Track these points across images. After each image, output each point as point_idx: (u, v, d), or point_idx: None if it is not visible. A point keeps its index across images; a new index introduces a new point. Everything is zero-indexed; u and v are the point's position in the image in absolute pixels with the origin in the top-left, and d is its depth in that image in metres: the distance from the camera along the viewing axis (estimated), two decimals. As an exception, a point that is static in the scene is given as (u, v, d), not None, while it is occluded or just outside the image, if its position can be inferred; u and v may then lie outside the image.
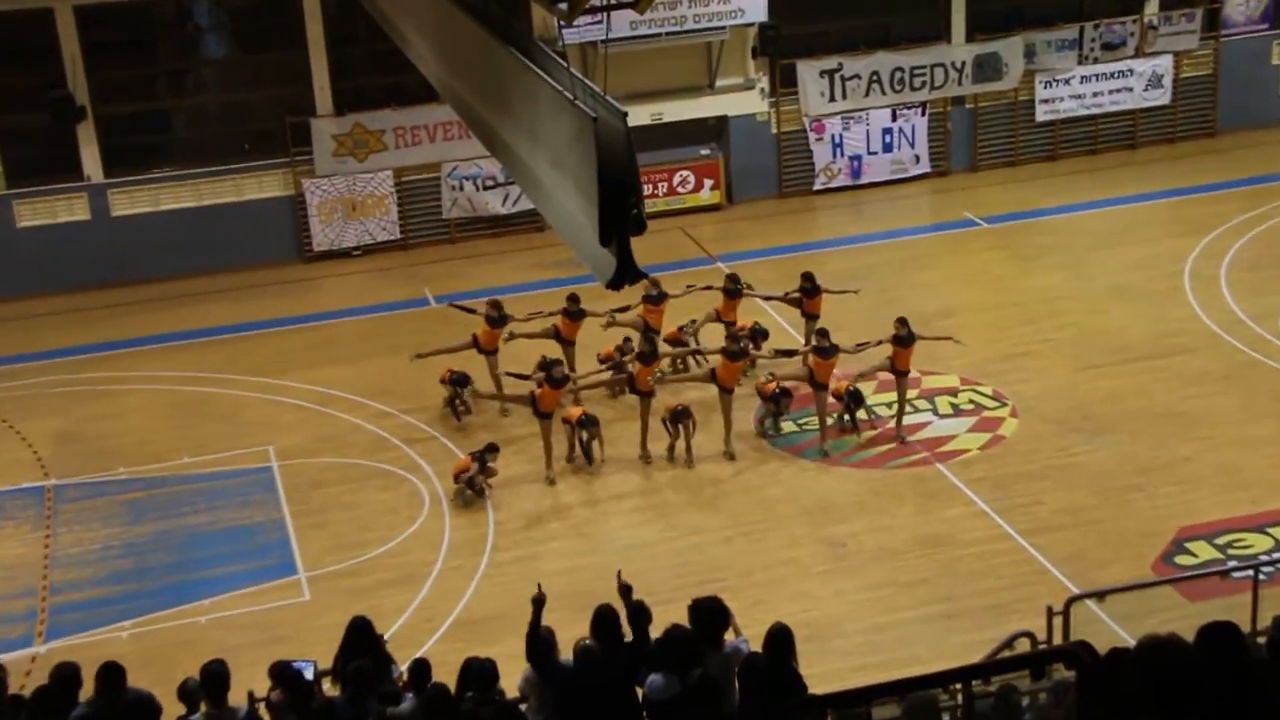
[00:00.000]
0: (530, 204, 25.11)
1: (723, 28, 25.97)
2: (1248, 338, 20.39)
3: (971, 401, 19.18)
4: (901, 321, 18.15)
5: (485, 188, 26.22)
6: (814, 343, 18.24)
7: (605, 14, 9.51)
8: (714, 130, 27.75)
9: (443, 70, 11.78)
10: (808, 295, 19.92)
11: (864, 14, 27.77)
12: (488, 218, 26.40)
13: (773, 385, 18.32)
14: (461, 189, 26.17)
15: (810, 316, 19.91)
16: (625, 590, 10.27)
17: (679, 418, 17.83)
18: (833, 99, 27.53)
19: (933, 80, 27.84)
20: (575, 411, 18.03)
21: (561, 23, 9.09)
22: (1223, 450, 17.37)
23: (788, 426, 18.72)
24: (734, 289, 19.91)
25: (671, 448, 17.93)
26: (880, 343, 18.05)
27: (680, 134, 27.19)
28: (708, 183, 27.46)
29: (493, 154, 11.09)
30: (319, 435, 19.33)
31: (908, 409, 18.62)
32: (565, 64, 8.78)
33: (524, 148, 9.53)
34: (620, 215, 8.21)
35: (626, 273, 8.44)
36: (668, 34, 25.69)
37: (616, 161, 8.13)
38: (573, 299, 19.77)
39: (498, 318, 19.60)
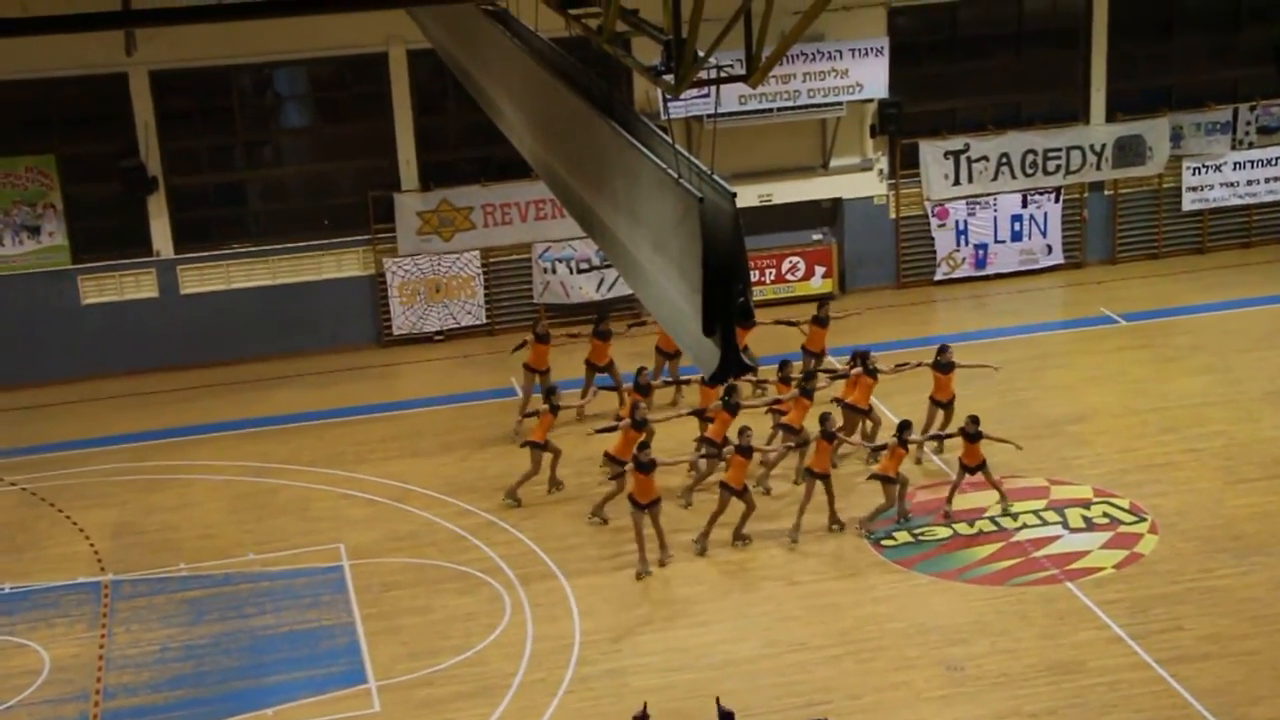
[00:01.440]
0: (628, 289, 25.45)
1: (840, 104, 26.33)
2: None
3: (1106, 515, 19.04)
4: (973, 419, 18.93)
5: (579, 271, 26.65)
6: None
7: (714, 87, 9.77)
8: (828, 214, 27.99)
9: (537, 144, 12.12)
10: (940, 370, 20.52)
11: (993, 91, 28.00)
12: (581, 304, 26.80)
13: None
14: (554, 271, 26.61)
15: (938, 404, 20.46)
16: (726, 717, 10.29)
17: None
18: (957, 182, 27.71)
19: (1068, 164, 27.92)
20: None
21: (667, 95, 9.39)
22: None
23: (902, 536, 18.72)
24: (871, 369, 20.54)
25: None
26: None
27: (791, 217, 27.48)
28: (819, 270, 27.67)
29: (589, 235, 11.37)
30: (393, 533, 19.62)
31: (1035, 520, 18.70)
32: (670, 139, 9.04)
33: (623, 228, 9.79)
34: (725, 303, 8.40)
35: (731, 365, 8.62)
36: (780, 109, 26.09)
37: (723, 245, 8.35)
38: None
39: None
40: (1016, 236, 28.08)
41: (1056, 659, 16.06)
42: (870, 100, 26.79)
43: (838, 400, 20.77)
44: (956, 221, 27.85)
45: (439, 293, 26.38)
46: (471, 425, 22.93)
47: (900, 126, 27.07)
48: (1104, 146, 27.94)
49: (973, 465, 19.12)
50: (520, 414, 21.85)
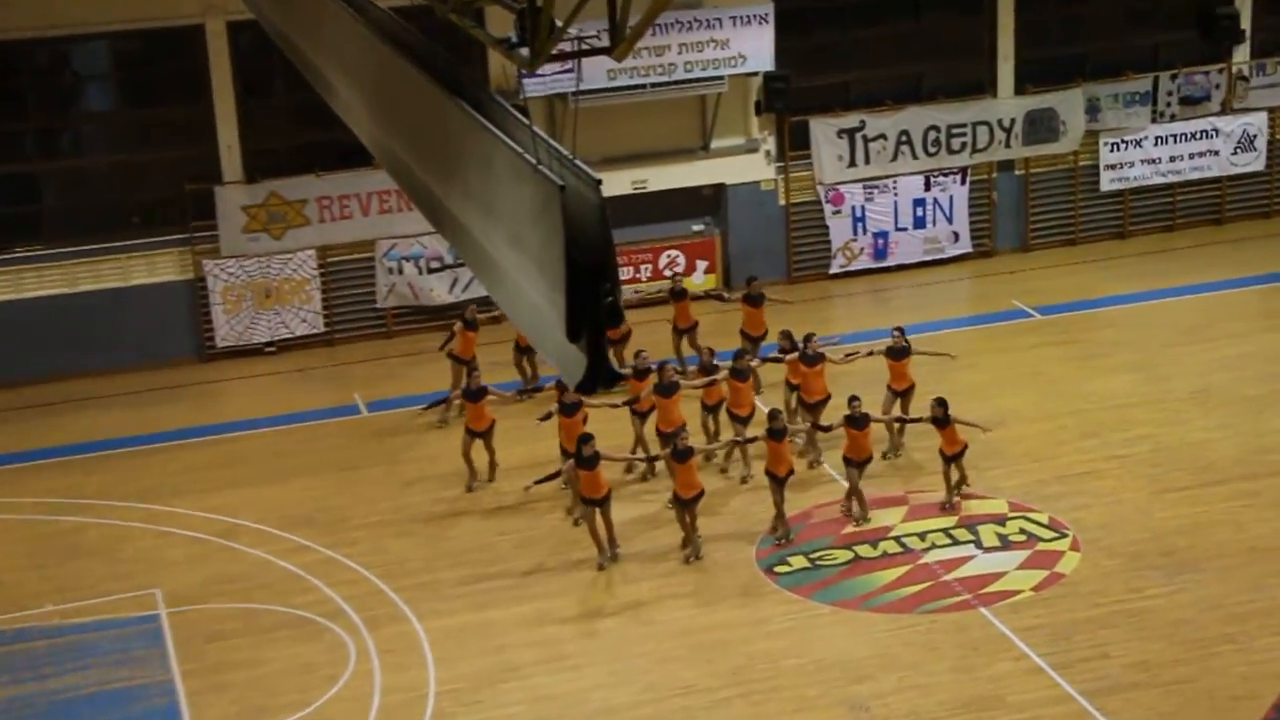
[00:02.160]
0: (484, 290, 25.34)
1: (720, 78, 26.57)
2: (1361, 454, 20.75)
3: (1023, 532, 19.42)
4: (939, 403, 19.59)
5: (429, 271, 26.60)
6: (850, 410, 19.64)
7: (576, 61, 9.83)
8: (709, 202, 28.22)
9: (377, 128, 12.10)
10: (893, 356, 21.19)
11: (891, 62, 28.44)
12: (431, 307, 26.76)
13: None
14: (400, 272, 26.54)
15: (896, 394, 21.12)
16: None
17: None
18: (853, 164, 28.10)
19: (974, 141, 28.45)
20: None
21: (523, 72, 9.41)
22: (1332, 592, 17.64)
23: (797, 561, 18.94)
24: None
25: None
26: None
27: (668, 206, 27.66)
28: (701, 265, 27.89)
29: (438, 230, 11.37)
30: (219, 575, 19.46)
31: (944, 540, 19.03)
32: (528, 121, 9.09)
33: (476, 222, 9.81)
34: (592, 304, 8.46)
35: (600, 374, 8.68)
36: (653, 85, 26.28)
37: (588, 239, 8.41)
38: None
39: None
40: (919, 223, 28.55)
41: (971, 694, 16.36)
42: (754, 74, 27.07)
43: (801, 399, 21.37)
44: (853, 208, 28.24)
45: (269, 298, 26.17)
46: (309, 449, 22.79)
47: (788, 103, 27.38)
48: (1013, 122, 28.51)
49: (952, 453, 19.67)
50: (447, 405, 22.48)
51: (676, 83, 26.36)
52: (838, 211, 28.24)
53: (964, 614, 17.72)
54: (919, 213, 28.55)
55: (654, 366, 20.91)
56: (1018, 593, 18.08)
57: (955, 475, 19.85)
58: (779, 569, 18.87)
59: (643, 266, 27.49)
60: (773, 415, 19.58)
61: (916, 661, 16.94)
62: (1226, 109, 29.32)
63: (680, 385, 20.71)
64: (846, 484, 19.81)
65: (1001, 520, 19.68)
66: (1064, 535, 19.23)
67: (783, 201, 28.14)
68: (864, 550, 19.15)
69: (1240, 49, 29.25)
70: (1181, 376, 23.51)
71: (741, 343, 23.11)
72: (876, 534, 19.43)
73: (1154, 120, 29.08)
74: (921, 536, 19.34)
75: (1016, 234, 29.28)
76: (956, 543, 19.18)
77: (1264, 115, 29.46)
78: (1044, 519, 19.63)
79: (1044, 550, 18.97)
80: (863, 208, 28.29)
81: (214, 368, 25.90)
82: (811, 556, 19.10)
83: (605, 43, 9.40)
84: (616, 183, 26.23)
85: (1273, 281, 27.22)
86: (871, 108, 28.10)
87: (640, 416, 21.04)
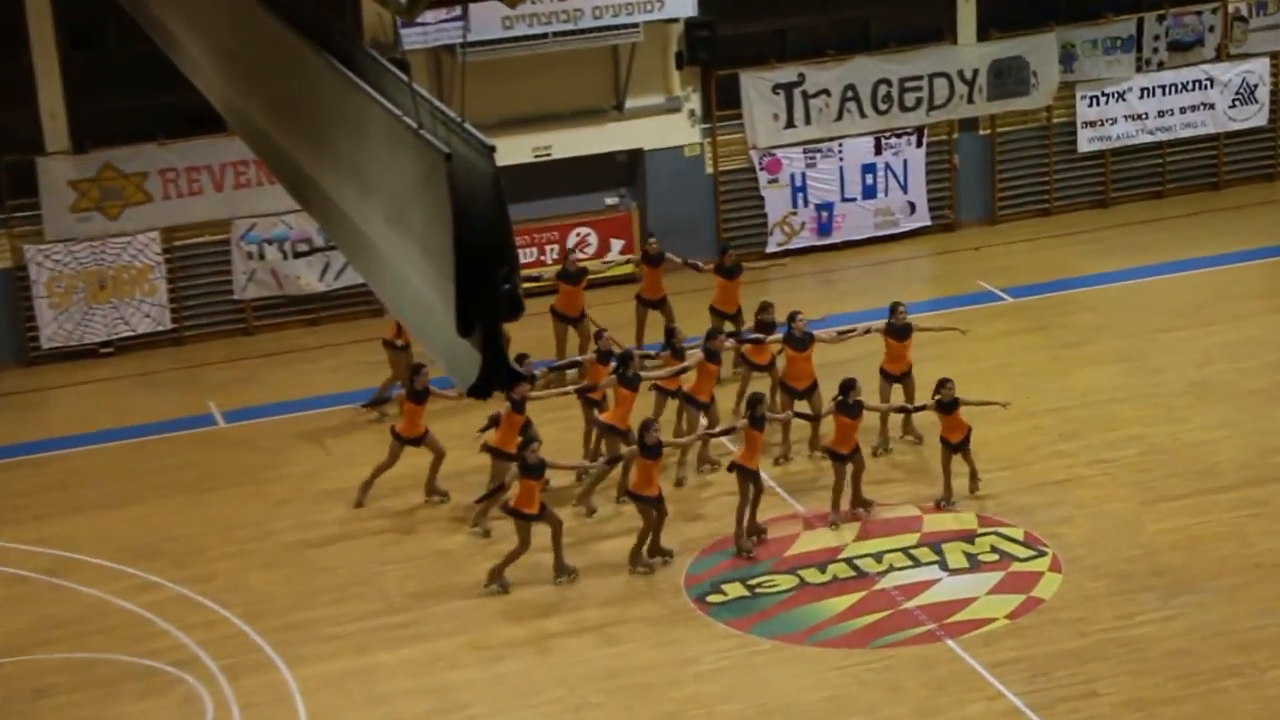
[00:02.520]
0: (360, 277, 25.28)
1: (635, 26, 26.60)
2: (1382, 454, 21.07)
3: (995, 550, 19.56)
4: (945, 384, 20.19)
5: (295, 255, 26.47)
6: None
7: (463, 7, 9.82)
8: (625, 170, 28.24)
9: (230, 88, 12.02)
10: (895, 336, 21.62)
11: (833, 6, 28.58)
12: (299, 298, 26.65)
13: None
14: (261, 257, 26.39)
15: (891, 378, 21.52)
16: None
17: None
18: (791, 124, 28.21)
19: (932, 96, 28.63)
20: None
21: (401, 21, 9.40)
22: (1353, 615, 17.90)
23: (733, 590, 18.99)
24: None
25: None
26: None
27: (577, 176, 27.66)
28: (616, 244, 27.90)
29: (304, 208, 11.31)
30: (48, 619, 19.28)
31: (904, 561, 19.21)
32: (406, 79, 9.06)
33: (349, 198, 9.77)
34: (486, 292, 8.45)
35: (497, 372, 8.66)
36: (556, 35, 26.26)
37: (480, 216, 8.39)
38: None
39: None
40: (869, 193, 28.71)
41: (938, 740, 16.50)
42: (674, 20, 27.12)
43: (782, 382, 21.67)
44: (792, 175, 28.35)
45: (104, 290, 25.98)
46: (155, 468, 22.65)
47: (715, 54, 27.45)
48: (976, 73, 28.72)
49: (957, 441, 20.05)
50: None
51: (583, 32, 26.35)
52: (774, 180, 28.34)
53: (928, 647, 17.82)
54: (868, 180, 28.70)
55: (616, 353, 21.14)
56: (990, 621, 18.21)
57: (965, 466, 20.22)
58: (712, 598, 18.92)
59: (547, 247, 27.47)
60: (755, 401, 19.78)
61: (874, 704, 17.03)
62: (1222, 55, 29.66)
63: (641, 378, 20.96)
64: (773, 492, 19.90)
65: (970, 537, 19.82)
66: (1042, 554, 19.39)
67: (710, 169, 28.20)
68: (810, 575, 19.23)
69: (1237, -15, 29.62)
70: (1175, 367, 23.77)
71: (712, 320, 23.22)
72: (825, 556, 19.53)
73: (1139, 69, 29.36)
74: (877, 557, 19.43)
75: (982, 204, 29.49)
76: (918, 564, 19.29)
77: (1265, 62, 29.82)
78: (1019, 535, 19.78)
79: (1019, 571, 19.12)
80: (803, 175, 28.40)
81: (39, 373, 25.68)
82: (750, 583, 19.16)
83: (498, -15, 9.39)
84: (515, 150, 26.16)
85: (1278, 254, 27.55)
86: (812, 59, 28.20)
87: (594, 407, 21.20)
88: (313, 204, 10.78)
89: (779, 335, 21.69)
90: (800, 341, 21.41)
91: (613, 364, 21.06)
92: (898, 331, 21.60)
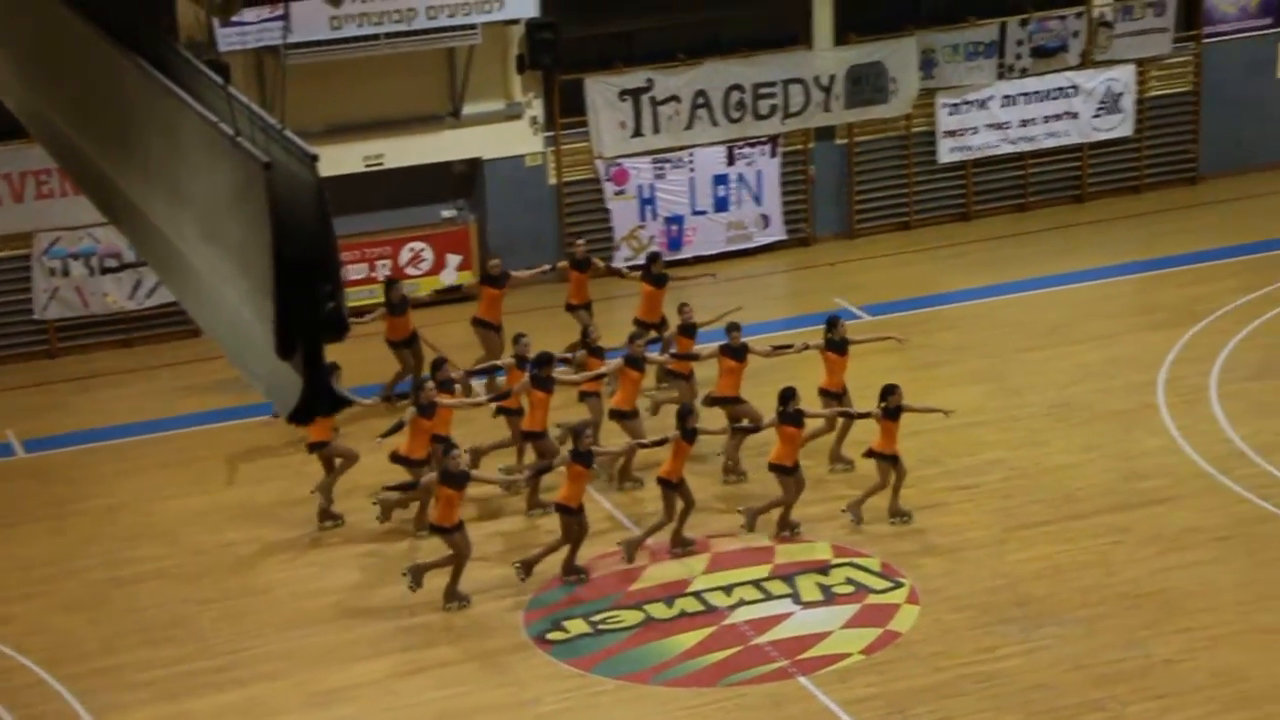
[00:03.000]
0: (172, 296, 25.10)
1: (473, 27, 26.59)
2: (1252, 478, 21.48)
3: (850, 582, 19.74)
4: (891, 389, 20.64)
5: (103, 271, 26.20)
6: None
7: (285, 5, 9.81)
8: (462, 181, 28.21)
9: (30, 92, 11.91)
10: (835, 350, 21.91)
11: (682, 7, 28.71)
12: (107, 317, 26.41)
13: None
14: (65, 274, 26.09)
15: (831, 395, 21.79)
16: None
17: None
18: (639, 133, 28.33)
19: (787, 104, 28.87)
20: None
21: (218, 21, 9.37)
22: (1221, 649, 18.19)
23: (575, 627, 19.02)
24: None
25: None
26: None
27: (411, 187, 27.61)
28: (453, 260, 27.87)
29: (111, 221, 11.21)
30: None
31: (755, 595, 19.31)
32: (222, 83, 9.04)
33: (159, 210, 9.71)
34: (308, 311, 8.44)
35: (320, 396, 8.65)
36: (388, 37, 26.19)
37: (302, 229, 8.37)
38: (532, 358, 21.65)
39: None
40: (721, 205, 28.89)
41: (791, 782, 16.63)
42: (514, 22, 27.16)
43: (710, 396, 21.93)
44: (640, 187, 28.48)
45: (-106, 309, 25.59)
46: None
47: (558, 58, 27.49)
48: (833, 79, 28.99)
49: (892, 452, 20.50)
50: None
51: (417, 33, 26.31)
52: (621, 191, 28.44)
53: (780, 684, 17.95)
54: (720, 192, 28.89)
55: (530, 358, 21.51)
56: (845, 656, 18.37)
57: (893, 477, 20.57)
58: (552, 636, 18.94)
59: (379, 263, 27.39)
60: (686, 412, 20.10)
61: (723, 745, 17.13)
62: (1087, 61, 30.16)
63: (556, 380, 21.29)
64: (674, 509, 20.01)
65: (824, 568, 19.99)
66: (899, 585, 19.59)
67: (553, 180, 28.26)
68: (657, 610, 19.31)
69: (1102, -12, 30.15)
70: (1038, 388, 24.10)
71: (634, 330, 23.26)
72: (672, 590, 19.60)
73: (1001, 76, 29.80)
74: (727, 591, 19.54)
75: (839, 217, 29.77)
76: (770, 597, 19.41)
77: (1131, 69, 30.36)
78: (875, 565, 19.98)
79: (875, 604, 19.30)
80: (652, 187, 28.53)
81: None
82: (593, 620, 19.19)
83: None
84: (344, 158, 26.08)
85: (1145, 270, 28.08)
86: (660, 63, 28.36)
87: (511, 416, 21.46)
88: (121, 217, 10.69)
89: (714, 346, 21.95)
90: (737, 352, 21.63)
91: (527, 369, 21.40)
92: (837, 346, 21.80)
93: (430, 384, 20.63)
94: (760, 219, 29.09)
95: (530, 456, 21.42)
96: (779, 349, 22.42)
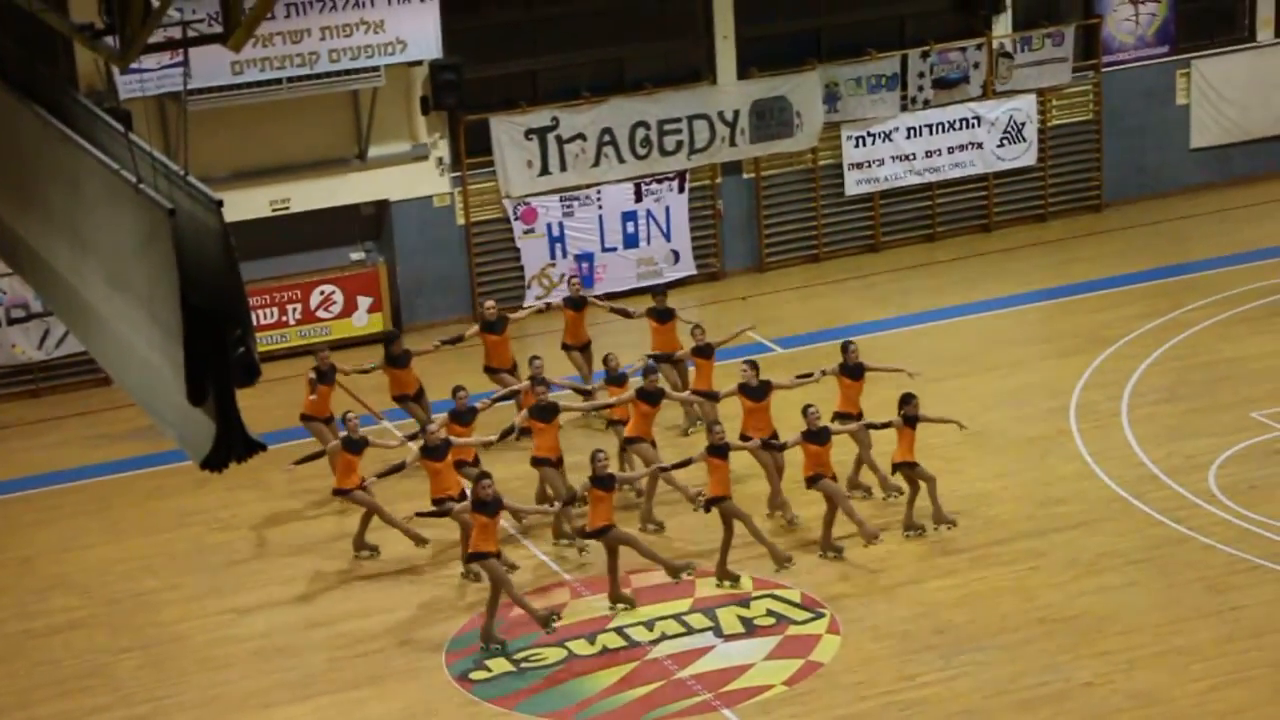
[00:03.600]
0: (81, 345, 24.97)
1: (376, 69, 26.53)
2: (1166, 501, 21.59)
3: (770, 614, 19.70)
4: (908, 399, 21.01)
5: (10, 322, 25.97)
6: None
7: (184, 51, 9.71)
8: (371, 223, 28.12)
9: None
10: (850, 376, 22.04)
11: (586, 44, 28.76)
12: (15, 368, 26.21)
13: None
14: (-29, 324, 25.90)
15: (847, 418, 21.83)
16: None
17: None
18: (546, 171, 28.31)
19: (693, 139, 28.91)
20: None
21: (115, 67, 9.28)
22: (1139, 671, 18.23)
23: (498, 665, 18.91)
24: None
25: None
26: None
27: (319, 230, 27.51)
28: (364, 302, 27.75)
29: (16, 271, 11.10)
30: None
31: (677, 629, 19.26)
32: (124, 130, 8.95)
33: (63, 259, 9.62)
34: (218, 356, 8.37)
35: (232, 443, 8.57)
36: (291, 81, 26.10)
37: (209, 275, 8.31)
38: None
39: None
40: (630, 241, 28.90)
41: (716, 817, 16.56)
42: (418, 63, 27.13)
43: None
44: (549, 225, 28.45)
45: None
46: None
47: (463, 98, 27.47)
48: (737, 114, 29.07)
49: (909, 460, 20.83)
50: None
51: (320, 77, 26.24)
52: (530, 230, 28.41)
53: (704, 718, 17.89)
54: (629, 229, 28.89)
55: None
56: (768, 688, 18.33)
57: (907, 487, 20.88)
58: (475, 675, 18.83)
59: (290, 307, 27.22)
60: (710, 427, 20.39)
61: (647, 782, 17.07)
62: (989, 92, 30.36)
63: (560, 407, 21.45)
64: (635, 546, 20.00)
65: (744, 601, 19.95)
66: (820, 615, 19.58)
67: (461, 221, 28.21)
68: (579, 646, 19.23)
69: (1001, 19, 30.33)
70: (951, 416, 24.14)
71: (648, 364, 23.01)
72: (593, 626, 19.53)
73: (904, 108, 29.96)
74: (649, 625, 19.49)
75: (749, 251, 29.84)
76: (691, 631, 19.38)
77: (1032, 99, 30.58)
78: (795, 597, 19.96)
79: (796, 635, 19.28)
80: (561, 225, 28.52)
81: None
82: (515, 658, 19.10)
83: (217, 28, 9.29)
84: (250, 203, 25.99)
85: (1052, 298, 28.24)
86: (565, 101, 28.36)
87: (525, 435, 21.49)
88: (25, 266, 10.59)
89: (733, 386, 21.82)
90: (757, 391, 21.54)
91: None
92: (851, 371, 21.90)
93: (432, 428, 20.51)
94: (670, 254, 29.11)
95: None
96: (801, 379, 22.30)
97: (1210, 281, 28.19)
